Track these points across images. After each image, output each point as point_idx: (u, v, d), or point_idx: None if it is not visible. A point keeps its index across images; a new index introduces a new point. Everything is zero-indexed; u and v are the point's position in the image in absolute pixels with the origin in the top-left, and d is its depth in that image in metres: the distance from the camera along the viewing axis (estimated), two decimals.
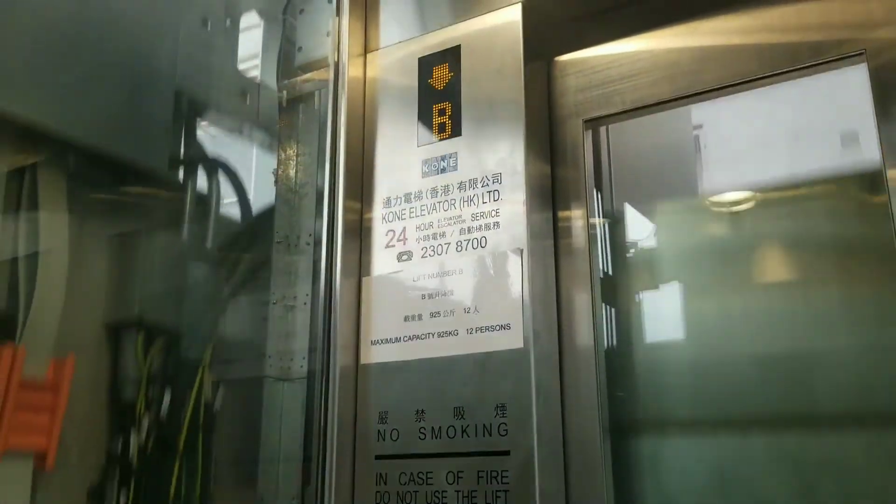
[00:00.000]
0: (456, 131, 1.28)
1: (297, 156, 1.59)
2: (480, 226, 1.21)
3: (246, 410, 1.36)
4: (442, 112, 1.31)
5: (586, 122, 1.28)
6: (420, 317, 1.23)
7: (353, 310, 1.30)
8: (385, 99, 1.39)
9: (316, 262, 1.42)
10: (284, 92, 1.56)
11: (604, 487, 1.08)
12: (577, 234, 1.23)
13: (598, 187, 1.31)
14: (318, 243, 1.42)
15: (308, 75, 1.51)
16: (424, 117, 1.33)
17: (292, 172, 1.58)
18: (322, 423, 1.24)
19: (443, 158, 1.28)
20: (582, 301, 1.19)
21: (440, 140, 1.30)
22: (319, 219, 1.42)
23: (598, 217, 1.30)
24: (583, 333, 1.17)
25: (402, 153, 1.34)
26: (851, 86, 1.13)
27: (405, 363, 1.22)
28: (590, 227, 1.23)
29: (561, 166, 1.27)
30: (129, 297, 1.64)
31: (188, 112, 1.75)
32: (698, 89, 1.19)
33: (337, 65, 1.43)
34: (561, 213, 1.26)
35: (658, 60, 1.23)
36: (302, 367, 1.40)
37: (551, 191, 1.26)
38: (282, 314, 1.45)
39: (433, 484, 1.13)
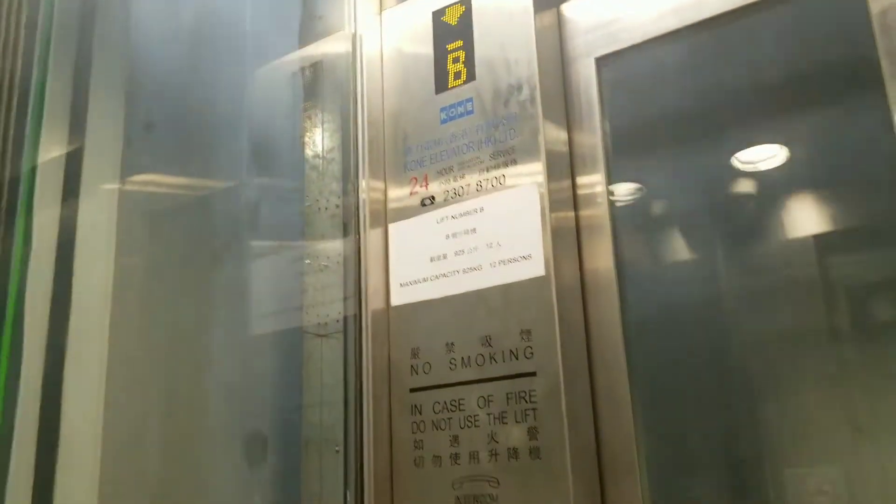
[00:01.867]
0: (471, 76, 1.32)
1: (323, 122, 1.64)
2: (498, 164, 1.25)
3: (286, 361, 1.42)
4: (456, 60, 1.35)
5: (598, 59, 1.31)
6: (445, 256, 1.27)
7: (381, 257, 1.35)
8: (402, 55, 1.44)
9: (346, 222, 1.47)
10: (305, 59, 1.61)
11: (629, 398, 1.11)
12: (594, 165, 1.26)
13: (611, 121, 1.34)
14: (346, 206, 1.47)
15: (327, 40, 1.56)
16: (440, 66, 1.37)
17: (318, 138, 1.63)
18: (357, 365, 1.29)
19: (460, 104, 1.33)
20: (601, 228, 1.22)
21: (456, 86, 1.34)
22: (346, 179, 1.47)
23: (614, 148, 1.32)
24: (603, 259, 1.20)
25: (420, 104, 1.38)
26: None
27: (433, 301, 1.26)
28: (606, 157, 1.25)
29: (574, 103, 1.30)
30: None
31: None
32: (705, 16, 1.21)
33: (354, 31, 1.48)
34: (576, 149, 1.29)
35: None
36: (338, 321, 1.45)
37: (566, 127, 1.29)
38: (316, 271, 1.51)
39: (465, 409, 1.17)
